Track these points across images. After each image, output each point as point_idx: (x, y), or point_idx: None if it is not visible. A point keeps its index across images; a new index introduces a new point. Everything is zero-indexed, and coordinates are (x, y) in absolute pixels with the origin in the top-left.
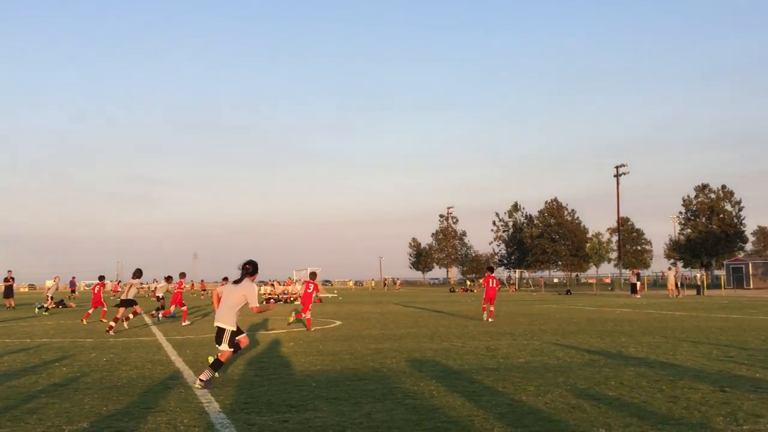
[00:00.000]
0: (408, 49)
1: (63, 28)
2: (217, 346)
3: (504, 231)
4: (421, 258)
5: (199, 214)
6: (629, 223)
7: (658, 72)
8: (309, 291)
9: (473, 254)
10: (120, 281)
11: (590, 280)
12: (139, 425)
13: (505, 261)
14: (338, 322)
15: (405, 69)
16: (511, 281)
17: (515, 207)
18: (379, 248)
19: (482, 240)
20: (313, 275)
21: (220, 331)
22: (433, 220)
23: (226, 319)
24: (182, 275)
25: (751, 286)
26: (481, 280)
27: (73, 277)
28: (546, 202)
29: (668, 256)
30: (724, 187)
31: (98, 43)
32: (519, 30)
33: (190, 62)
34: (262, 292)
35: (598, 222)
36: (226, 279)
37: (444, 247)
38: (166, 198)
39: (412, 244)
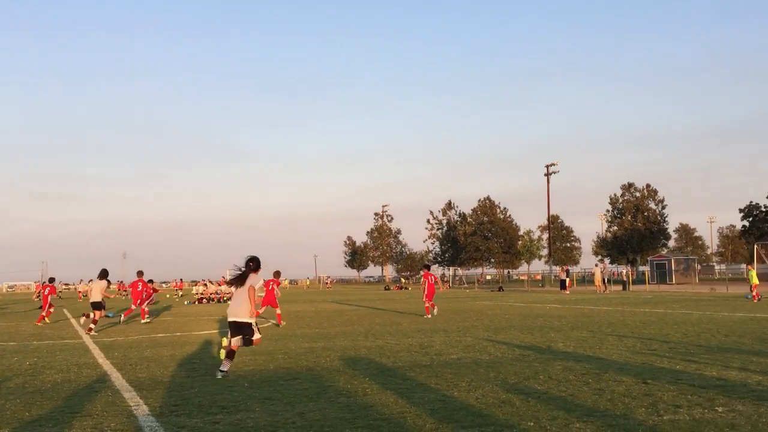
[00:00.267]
0: (340, 51)
1: None
2: (233, 338)
3: (438, 229)
4: (356, 256)
5: (128, 213)
6: (559, 220)
7: (585, 74)
8: (270, 289)
9: (408, 252)
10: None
11: (522, 277)
12: (64, 430)
13: (439, 259)
14: (272, 322)
15: (339, 68)
16: (445, 278)
17: (449, 205)
18: (315, 247)
19: (417, 238)
20: (277, 274)
21: (240, 324)
22: (368, 219)
23: (243, 313)
24: (140, 273)
25: (674, 282)
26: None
27: None
28: (479, 200)
29: (596, 253)
30: (648, 186)
31: (20, 32)
32: (449, 34)
33: (119, 56)
34: (194, 291)
35: (529, 220)
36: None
37: (379, 245)
38: (93, 196)
39: (347, 242)
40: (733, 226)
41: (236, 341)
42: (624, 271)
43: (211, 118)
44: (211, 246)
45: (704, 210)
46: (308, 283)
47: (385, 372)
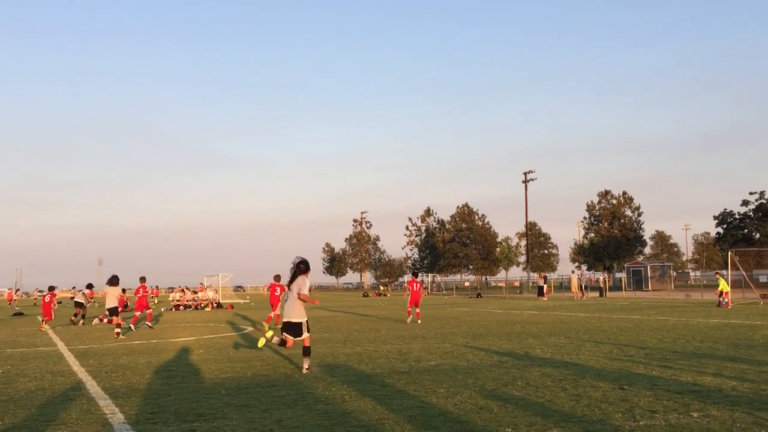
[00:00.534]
0: (322, 59)
1: None
2: (294, 338)
3: (417, 236)
4: (334, 263)
5: (105, 219)
6: (537, 227)
7: (561, 83)
8: (276, 294)
9: (386, 259)
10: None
11: (500, 284)
12: None
13: (418, 265)
14: (250, 328)
15: (318, 76)
16: (424, 285)
17: (428, 212)
18: (293, 253)
19: (395, 245)
20: (277, 278)
21: (296, 325)
22: (347, 225)
23: (296, 314)
24: (143, 279)
25: (650, 288)
26: (406, 284)
27: None
28: (457, 207)
29: (573, 260)
30: (624, 193)
31: None
32: (428, 44)
33: (97, 61)
34: (170, 298)
35: (507, 227)
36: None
37: (358, 251)
38: (68, 202)
39: (326, 249)
40: (708, 233)
41: (289, 338)
42: (601, 278)
43: (190, 124)
44: (188, 252)
45: (679, 217)
46: (286, 289)
47: (363, 379)
